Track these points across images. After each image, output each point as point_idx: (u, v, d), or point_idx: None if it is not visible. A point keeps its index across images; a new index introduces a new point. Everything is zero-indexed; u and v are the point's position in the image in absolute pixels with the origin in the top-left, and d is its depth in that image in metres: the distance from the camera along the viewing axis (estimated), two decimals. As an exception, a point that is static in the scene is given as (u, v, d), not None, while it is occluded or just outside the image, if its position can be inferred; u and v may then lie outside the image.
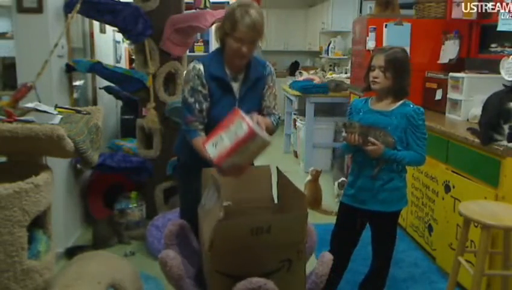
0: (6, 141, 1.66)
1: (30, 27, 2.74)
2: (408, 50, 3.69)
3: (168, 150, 3.27)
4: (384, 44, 3.70)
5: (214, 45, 4.72)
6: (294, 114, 5.75)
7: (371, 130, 2.08)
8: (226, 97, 2.03)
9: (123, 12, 2.98)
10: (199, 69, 2.00)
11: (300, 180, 4.23)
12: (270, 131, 2.07)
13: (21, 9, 2.71)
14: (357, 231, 2.29)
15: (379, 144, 2.05)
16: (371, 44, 3.89)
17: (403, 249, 3.14)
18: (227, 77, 2.03)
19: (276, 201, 1.99)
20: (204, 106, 2.00)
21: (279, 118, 2.17)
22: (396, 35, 3.76)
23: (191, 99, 1.99)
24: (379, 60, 2.11)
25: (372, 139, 2.06)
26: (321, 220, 3.58)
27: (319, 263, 1.74)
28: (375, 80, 2.12)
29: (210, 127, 1.89)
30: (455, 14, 3.45)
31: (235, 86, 2.06)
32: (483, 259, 2.12)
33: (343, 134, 2.14)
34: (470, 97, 3.09)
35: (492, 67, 3.09)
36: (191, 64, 2.05)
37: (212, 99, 2.02)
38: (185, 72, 2.30)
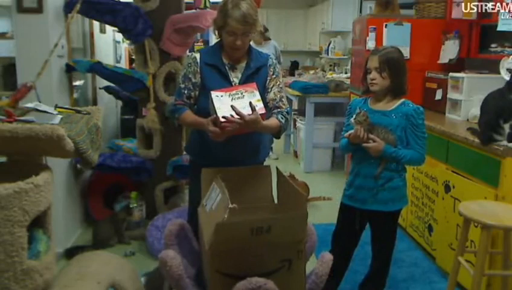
0: (6, 141, 1.65)
1: (30, 27, 2.73)
2: (408, 50, 3.76)
3: (168, 150, 3.28)
4: (384, 44, 3.69)
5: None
6: (294, 114, 5.75)
7: (375, 128, 2.09)
8: (223, 85, 2.01)
9: (123, 12, 2.98)
10: (195, 57, 2.10)
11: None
12: (279, 130, 2.05)
13: (21, 9, 2.71)
14: (357, 231, 2.29)
15: (380, 141, 2.06)
16: (371, 44, 3.89)
17: (402, 249, 3.14)
18: (222, 64, 2.06)
19: (276, 201, 1.99)
20: (193, 94, 2.09)
21: (287, 112, 2.10)
22: (396, 35, 3.76)
23: (182, 85, 2.10)
24: (373, 62, 2.12)
25: (372, 136, 2.06)
26: (321, 220, 3.58)
27: (319, 263, 1.75)
28: (373, 81, 2.13)
29: (205, 113, 1.96)
30: (455, 14, 3.45)
31: (234, 74, 2.08)
32: (483, 259, 2.12)
33: (353, 122, 2.11)
34: (470, 97, 3.09)
35: (492, 67, 3.09)
36: (191, 54, 2.16)
37: (207, 87, 2.02)
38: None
